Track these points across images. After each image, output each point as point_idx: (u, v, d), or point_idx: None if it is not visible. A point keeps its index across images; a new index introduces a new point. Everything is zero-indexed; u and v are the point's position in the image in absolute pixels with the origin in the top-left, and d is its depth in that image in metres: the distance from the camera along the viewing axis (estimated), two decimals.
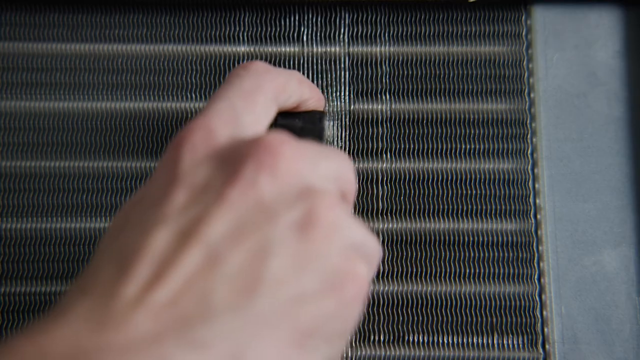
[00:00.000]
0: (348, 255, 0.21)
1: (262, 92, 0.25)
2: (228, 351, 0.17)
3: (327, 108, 0.35)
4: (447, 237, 0.35)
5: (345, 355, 0.33)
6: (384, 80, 0.36)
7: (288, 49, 0.37)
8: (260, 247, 0.19)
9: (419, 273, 0.34)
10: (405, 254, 0.35)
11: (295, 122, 0.28)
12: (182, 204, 0.20)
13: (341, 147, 0.36)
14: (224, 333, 0.18)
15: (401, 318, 0.34)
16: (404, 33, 0.37)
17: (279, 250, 0.19)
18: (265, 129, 0.25)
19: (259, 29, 0.37)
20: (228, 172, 0.20)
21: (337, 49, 0.37)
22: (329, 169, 0.22)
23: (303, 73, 0.36)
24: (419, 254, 0.35)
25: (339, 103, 0.36)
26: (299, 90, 0.28)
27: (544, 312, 0.34)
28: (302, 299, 0.19)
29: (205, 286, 0.18)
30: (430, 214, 0.35)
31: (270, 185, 0.20)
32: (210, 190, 0.20)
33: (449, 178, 0.35)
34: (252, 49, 0.37)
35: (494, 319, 0.34)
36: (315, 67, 0.37)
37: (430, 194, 0.35)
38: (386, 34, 0.37)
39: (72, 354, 0.16)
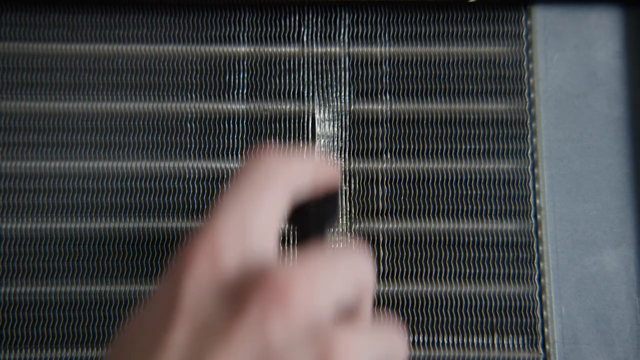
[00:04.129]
0: None
1: (274, 185, 0.24)
2: None
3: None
4: (447, 238, 0.35)
5: None
6: (384, 81, 0.36)
7: (288, 49, 0.37)
8: None
9: (419, 273, 0.34)
10: (405, 254, 0.34)
11: (309, 207, 0.27)
12: (183, 345, 0.19)
13: (341, 147, 0.36)
14: None
15: (401, 318, 0.34)
16: (404, 33, 0.37)
17: None
18: (277, 237, 0.24)
19: (260, 29, 0.37)
20: (233, 310, 0.19)
21: (338, 49, 0.37)
22: (346, 281, 0.21)
23: (303, 73, 0.36)
24: (420, 254, 0.34)
25: (339, 103, 0.36)
26: (314, 174, 0.27)
27: (544, 313, 0.34)
28: None
29: None
30: (431, 214, 0.35)
31: (278, 328, 0.19)
32: (214, 331, 0.19)
33: (449, 178, 0.35)
34: (252, 49, 0.37)
35: (495, 319, 0.34)
36: (315, 67, 0.37)
37: (431, 194, 0.35)
38: (386, 34, 0.37)
39: None
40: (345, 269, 0.22)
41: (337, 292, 0.21)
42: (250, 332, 0.19)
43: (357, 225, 0.35)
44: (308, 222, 0.27)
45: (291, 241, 0.34)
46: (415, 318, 0.34)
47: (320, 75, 0.36)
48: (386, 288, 0.34)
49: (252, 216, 0.22)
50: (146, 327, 0.20)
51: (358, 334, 0.20)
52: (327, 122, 0.36)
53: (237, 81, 0.36)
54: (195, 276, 0.20)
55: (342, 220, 0.35)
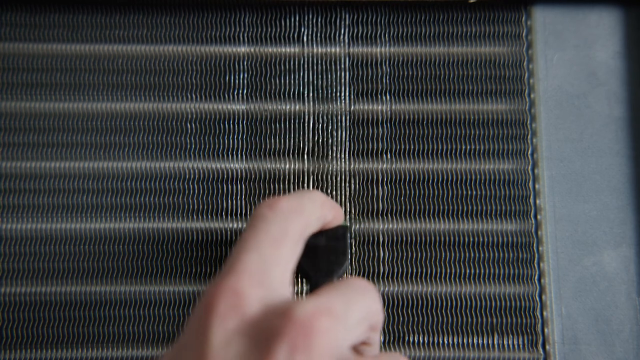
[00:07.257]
0: None
1: (289, 237, 0.24)
2: None
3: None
4: (447, 238, 0.35)
5: None
6: (384, 81, 0.36)
7: (288, 50, 0.37)
8: None
9: (419, 274, 0.34)
10: (405, 254, 0.35)
11: (319, 241, 0.28)
12: None
13: (341, 147, 0.36)
14: None
15: (401, 319, 0.34)
16: (404, 34, 0.37)
17: None
18: (293, 282, 0.24)
19: (259, 29, 0.37)
20: (261, 353, 0.19)
21: (338, 49, 0.37)
22: (359, 314, 0.22)
23: (303, 73, 0.36)
24: (420, 254, 0.35)
25: (339, 104, 0.36)
26: (322, 217, 0.28)
27: (544, 313, 0.34)
28: None
29: None
30: (431, 215, 0.35)
31: None
32: None
33: (450, 179, 0.35)
34: (252, 50, 0.37)
35: (495, 320, 0.34)
36: (315, 67, 0.37)
37: (431, 195, 0.35)
38: (386, 35, 0.37)
39: None
40: (358, 302, 0.22)
41: (354, 325, 0.22)
42: None
43: (357, 226, 0.35)
44: (318, 260, 0.28)
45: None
46: (415, 318, 0.34)
47: (320, 76, 0.36)
48: (386, 288, 0.34)
49: (272, 263, 0.23)
50: None
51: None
52: (327, 123, 0.36)
53: (237, 81, 0.36)
54: (221, 318, 0.20)
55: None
